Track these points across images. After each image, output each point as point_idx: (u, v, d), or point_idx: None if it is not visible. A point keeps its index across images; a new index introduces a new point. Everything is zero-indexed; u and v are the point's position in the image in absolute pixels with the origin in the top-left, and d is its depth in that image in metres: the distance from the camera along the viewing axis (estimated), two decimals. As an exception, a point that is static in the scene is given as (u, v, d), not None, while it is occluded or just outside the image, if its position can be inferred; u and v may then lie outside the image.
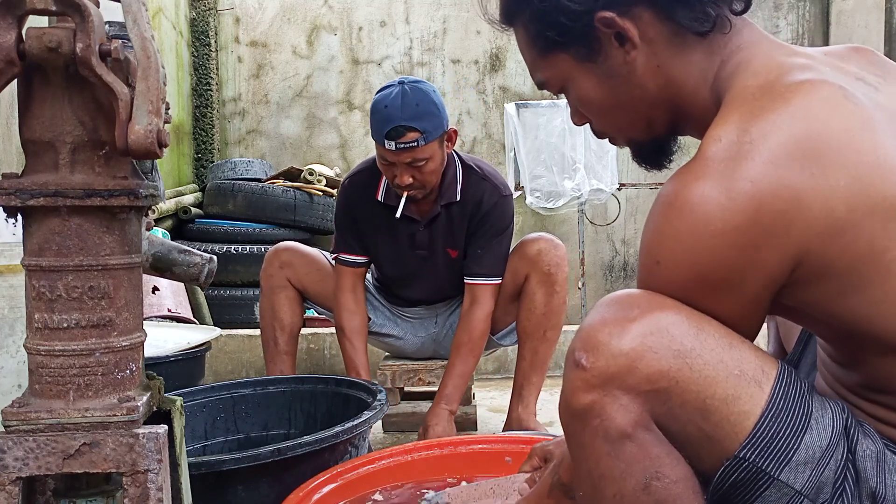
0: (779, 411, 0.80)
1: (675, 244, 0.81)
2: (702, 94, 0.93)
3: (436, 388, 2.26)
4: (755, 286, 0.81)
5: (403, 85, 1.94)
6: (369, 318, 2.28)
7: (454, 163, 2.11)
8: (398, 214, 2.04)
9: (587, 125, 1.04)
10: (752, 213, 0.77)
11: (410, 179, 1.96)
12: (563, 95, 1.02)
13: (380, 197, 2.11)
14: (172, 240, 2.61)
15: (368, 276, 2.38)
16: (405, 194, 2.01)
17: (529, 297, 2.08)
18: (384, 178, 2.09)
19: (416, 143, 1.91)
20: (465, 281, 2.11)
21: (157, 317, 2.99)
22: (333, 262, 2.19)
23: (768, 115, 0.80)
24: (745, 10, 0.92)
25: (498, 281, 2.09)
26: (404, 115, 1.89)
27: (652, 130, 0.98)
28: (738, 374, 0.80)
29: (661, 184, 4.47)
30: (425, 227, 2.12)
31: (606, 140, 1.06)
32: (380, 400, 1.69)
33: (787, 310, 0.88)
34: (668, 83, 0.93)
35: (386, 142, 1.91)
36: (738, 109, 0.83)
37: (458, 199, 2.09)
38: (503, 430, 2.15)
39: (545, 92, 1.04)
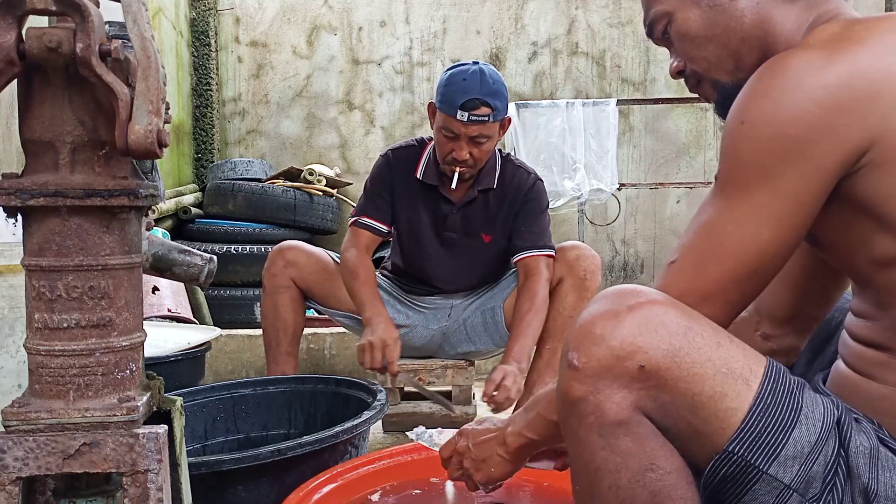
0: (766, 407, 0.81)
1: (763, 100, 0.85)
2: (793, 42, 0.96)
3: (435, 388, 2.25)
4: (826, 157, 0.82)
5: (480, 65, 2.04)
6: None
7: (494, 151, 2.20)
8: (453, 185, 2.09)
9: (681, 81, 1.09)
10: (846, 76, 0.82)
11: (468, 155, 2.04)
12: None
13: (419, 175, 2.18)
14: (172, 240, 2.61)
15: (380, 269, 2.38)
16: (457, 170, 2.07)
17: (560, 298, 2.13)
18: (424, 156, 2.18)
19: (487, 118, 2.00)
20: (515, 260, 2.17)
21: (157, 317, 2.99)
22: (352, 224, 2.20)
23: (870, 19, 0.88)
24: None
25: (547, 252, 2.14)
26: (483, 90, 1.98)
27: (738, 70, 1.00)
28: (725, 371, 0.82)
29: (661, 184, 4.45)
30: (459, 209, 2.18)
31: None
32: (380, 400, 1.69)
33: (839, 224, 0.89)
34: (763, 20, 0.97)
35: (459, 112, 1.98)
36: (840, 22, 0.92)
37: (494, 185, 2.18)
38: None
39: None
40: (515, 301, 2.15)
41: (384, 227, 2.21)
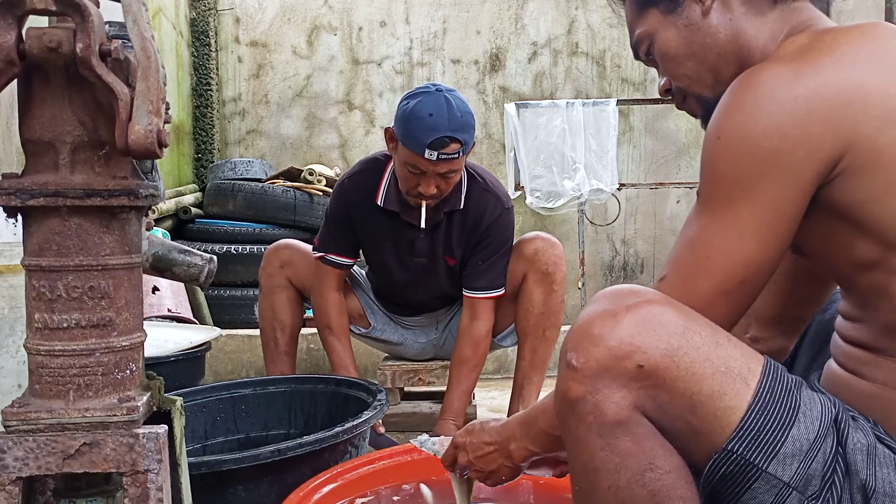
0: (765, 405, 0.82)
1: (736, 114, 0.87)
2: (769, 53, 0.98)
3: (436, 388, 2.25)
4: (802, 166, 0.84)
5: (442, 93, 1.87)
6: (369, 324, 2.27)
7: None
8: (422, 223, 1.96)
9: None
10: (814, 87, 0.84)
11: (435, 189, 1.90)
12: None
13: (379, 201, 2.04)
14: (172, 240, 2.61)
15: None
16: (425, 204, 1.94)
17: (528, 296, 2.07)
18: (384, 181, 2.04)
19: (457, 155, 1.85)
20: (466, 294, 2.08)
21: (157, 317, 2.98)
22: (317, 258, 2.11)
23: (838, 30, 0.90)
24: None
25: (498, 293, 2.07)
26: (451, 125, 1.82)
27: (718, 84, 1.01)
28: (724, 371, 0.82)
29: (661, 184, 4.44)
30: (426, 234, 2.06)
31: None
32: (380, 400, 1.69)
33: (821, 232, 0.89)
34: (737, 35, 1.00)
35: (427, 151, 1.82)
36: (809, 33, 0.94)
37: (461, 207, 2.04)
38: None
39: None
40: (457, 341, 2.09)
41: (349, 261, 2.12)
